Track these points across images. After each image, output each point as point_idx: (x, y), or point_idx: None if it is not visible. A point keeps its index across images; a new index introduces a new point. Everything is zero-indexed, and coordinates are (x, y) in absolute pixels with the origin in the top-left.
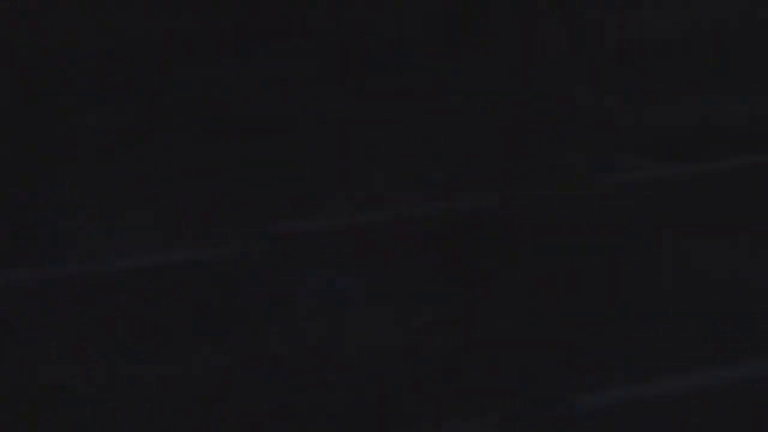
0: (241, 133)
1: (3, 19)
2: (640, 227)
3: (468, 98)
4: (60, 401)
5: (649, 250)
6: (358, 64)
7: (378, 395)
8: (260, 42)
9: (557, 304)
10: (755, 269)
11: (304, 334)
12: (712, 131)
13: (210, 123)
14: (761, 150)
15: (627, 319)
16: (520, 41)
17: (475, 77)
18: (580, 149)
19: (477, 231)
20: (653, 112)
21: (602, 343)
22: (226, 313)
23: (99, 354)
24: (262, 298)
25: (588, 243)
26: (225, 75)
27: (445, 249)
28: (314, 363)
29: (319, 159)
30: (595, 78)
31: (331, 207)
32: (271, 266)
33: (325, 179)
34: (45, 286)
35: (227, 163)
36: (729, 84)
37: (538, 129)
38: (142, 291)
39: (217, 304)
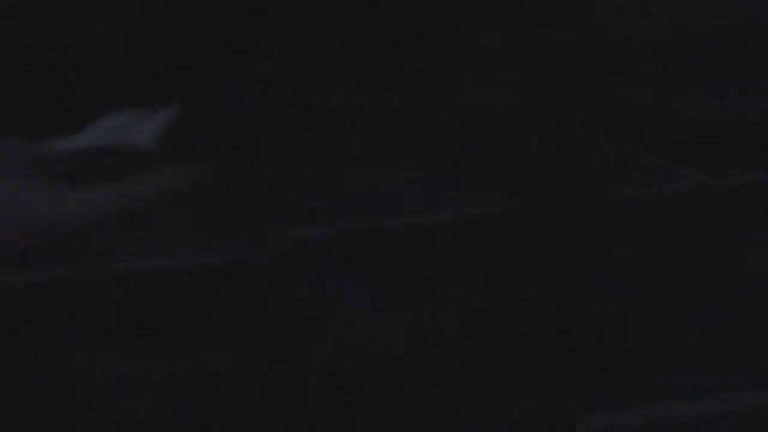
0: (247, 132)
1: None
2: (657, 240)
3: (476, 98)
4: (66, 397)
5: (667, 265)
6: (364, 58)
7: (378, 401)
8: (262, 41)
9: (567, 318)
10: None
11: (311, 339)
12: (728, 133)
13: (219, 121)
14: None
15: (641, 338)
16: (528, 40)
17: (482, 76)
18: (595, 153)
19: (485, 238)
20: (666, 112)
21: (613, 360)
22: (234, 317)
23: (106, 353)
24: (270, 301)
25: (604, 255)
26: (227, 72)
27: (454, 256)
28: (318, 366)
29: (329, 160)
30: (606, 77)
31: (339, 212)
32: (277, 271)
33: (334, 182)
34: (55, 286)
35: (235, 164)
36: (744, 84)
37: (551, 132)
38: (146, 294)
39: (226, 308)
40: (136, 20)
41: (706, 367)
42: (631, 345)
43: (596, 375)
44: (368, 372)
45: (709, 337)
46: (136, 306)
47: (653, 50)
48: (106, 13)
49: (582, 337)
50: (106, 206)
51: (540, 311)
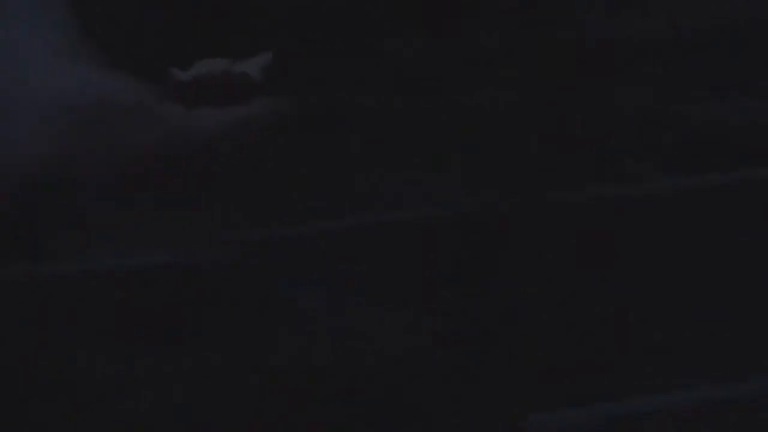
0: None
1: None
2: (626, 240)
3: (458, 98)
4: (33, 400)
5: (631, 264)
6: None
7: (336, 406)
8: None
9: (529, 319)
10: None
11: (275, 342)
12: (713, 138)
13: None
14: (756, 162)
15: (605, 336)
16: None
17: (465, 75)
18: (577, 155)
19: (452, 238)
20: (655, 117)
21: (573, 359)
22: (203, 318)
23: (67, 353)
24: (235, 305)
25: (572, 253)
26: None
27: (424, 256)
28: (283, 370)
29: (305, 160)
30: (594, 80)
31: (316, 211)
32: (246, 273)
33: (311, 181)
34: (15, 287)
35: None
36: (730, 87)
37: (534, 132)
38: (108, 294)
39: (194, 310)
40: None
41: (676, 363)
42: (594, 343)
43: (563, 373)
44: (331, 372)
45: (674, 335)
46: (94, 304)
47: (653, 50)
48: None
49: (545, 335)
50: (223, 127)
51: (507, 309)
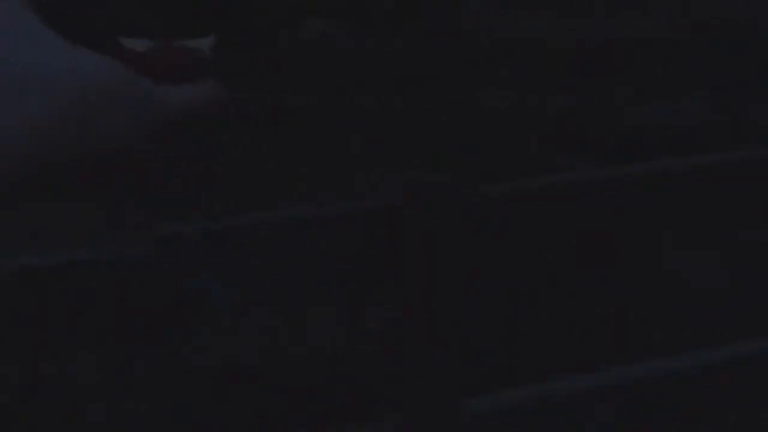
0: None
1: None
2: (547, 229)
3: (397, 89)
4: None
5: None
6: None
7: (263, 403)
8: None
9: (455, 305)
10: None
11: (186, 341)
12: (659, 133)
13: None
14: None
15: (528, 320)
16: (460, 32)
17: (412, 64)
18: (516, 149)
19: (374, 233)
20: (611, 114)
21: (499, 344)
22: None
23: None
24: (147, 300)
25: (494, 243)
26: None
27: (339, 251)
28: (195, 370)
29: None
30: (550, 77)
31: (218, 208)
32: (158, 270)
33: (213, 178)
34: None
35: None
36: (687, 86)
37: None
38: (22, 294)
39: (106, 308)
40: None
41: (592, 345)
42: (519, 327)
43: (483, 358)
44: (245, 372)
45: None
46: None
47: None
48: None
49: (468, 322)
50: (196, 106)
51: (426, 302)
